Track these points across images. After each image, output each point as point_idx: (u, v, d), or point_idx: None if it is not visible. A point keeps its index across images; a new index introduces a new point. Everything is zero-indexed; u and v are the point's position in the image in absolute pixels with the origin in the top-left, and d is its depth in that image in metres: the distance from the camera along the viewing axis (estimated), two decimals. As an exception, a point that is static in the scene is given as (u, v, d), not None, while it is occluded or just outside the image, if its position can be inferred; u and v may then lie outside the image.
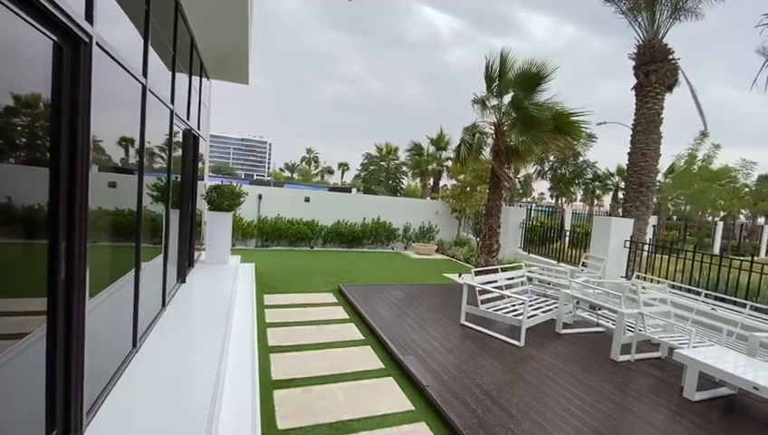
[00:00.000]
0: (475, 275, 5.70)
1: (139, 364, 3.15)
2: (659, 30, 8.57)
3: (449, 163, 20.23)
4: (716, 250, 21.06)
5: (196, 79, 6.37)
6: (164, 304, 4.43)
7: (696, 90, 9.33)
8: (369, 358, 4.32)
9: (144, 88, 3.22)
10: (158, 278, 4.24)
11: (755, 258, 5.67)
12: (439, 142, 21.25)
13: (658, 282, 6.08)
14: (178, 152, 5.32)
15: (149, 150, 3.70)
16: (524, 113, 7.74)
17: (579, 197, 34.40)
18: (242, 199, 7.59)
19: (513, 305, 5.59)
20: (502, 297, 5.65)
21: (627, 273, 7.20)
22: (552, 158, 22.43)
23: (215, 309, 4.80)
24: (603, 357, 4.67)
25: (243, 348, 3.99)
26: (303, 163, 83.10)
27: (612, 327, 5.03)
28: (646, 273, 6.81)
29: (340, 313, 5.80)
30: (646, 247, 7.36)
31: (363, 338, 4.87)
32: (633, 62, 8.77)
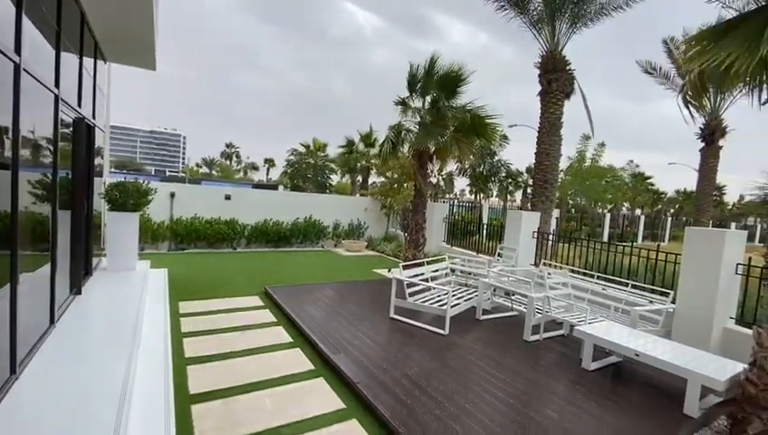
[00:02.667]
0: (403, 269, 5.86)
1: (21, 394, 2.68)
2: (559, 43, 9.59)
3: (377, 160, 20.62)
4: (606, 238, 24.40)
5: (90, 61, 5.58)
6: (53, 321, 3.83)
7: (587, 97, 10.62)
8: (298, 360, 4.20)
9: (17, 67, 2.73)
10: (44, 291, 3.65)
11: (634, 244, 6.66)
12: (368, 139, 21.44)
13: (561, 268, 6.84)
14: (69, 145, 4.62)
15: (31, 142, 3.16)
16: (443, 115, 8.10)
17: (495, 193, 37.36)
18: (150, 198, 6.85)
19: (439, 296, 5.87)
20: (428, 289, 5.89)
21: (535, 261, 7.98)
22: (471, 157, 24.00)
23: (118, 322, 4.27)
24: (517, 338, 5.12)
25: (154, 363, 3.62)
26: (223, 158, 77.82)
27: (524, 311, 5.54)
28: (551, 260, 7.61)
29: (267, 316, 5.55)
30: (550, 237, 8.22)
31: (291, 340, 4.72)
32: (538, 71, 9.69)
